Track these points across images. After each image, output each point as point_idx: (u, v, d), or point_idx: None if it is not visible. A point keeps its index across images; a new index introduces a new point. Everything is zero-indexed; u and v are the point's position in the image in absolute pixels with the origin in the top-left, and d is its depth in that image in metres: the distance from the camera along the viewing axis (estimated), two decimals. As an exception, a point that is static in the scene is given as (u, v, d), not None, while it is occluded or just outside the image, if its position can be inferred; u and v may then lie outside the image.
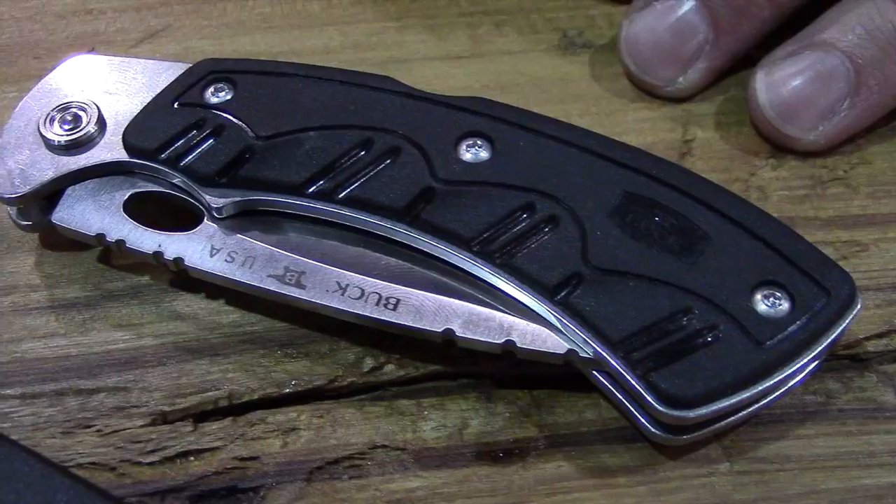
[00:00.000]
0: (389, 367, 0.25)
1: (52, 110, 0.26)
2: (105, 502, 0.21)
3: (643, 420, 0.22)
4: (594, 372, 0.23)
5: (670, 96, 0.30)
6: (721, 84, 0.31)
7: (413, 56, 0.32)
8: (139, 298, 0.26)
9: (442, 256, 0.24)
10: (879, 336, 0.25)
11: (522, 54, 0.32)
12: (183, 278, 0.26)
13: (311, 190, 0.24)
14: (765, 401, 0.22)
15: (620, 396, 0.23)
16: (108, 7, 0.34)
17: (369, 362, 0.25)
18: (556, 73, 0.31)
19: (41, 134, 0.26)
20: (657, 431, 0.22)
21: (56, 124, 0.26)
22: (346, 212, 0.24)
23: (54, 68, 0.28)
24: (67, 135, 0.26)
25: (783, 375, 0.21)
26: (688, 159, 0.29)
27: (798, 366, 0.22)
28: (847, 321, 0.22)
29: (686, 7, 0.29)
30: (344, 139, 0.25)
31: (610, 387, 0.23)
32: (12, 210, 0.26)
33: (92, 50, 0.32)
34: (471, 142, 0.25)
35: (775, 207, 0.27)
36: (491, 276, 0.23)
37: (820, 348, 0.22)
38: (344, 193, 0.24)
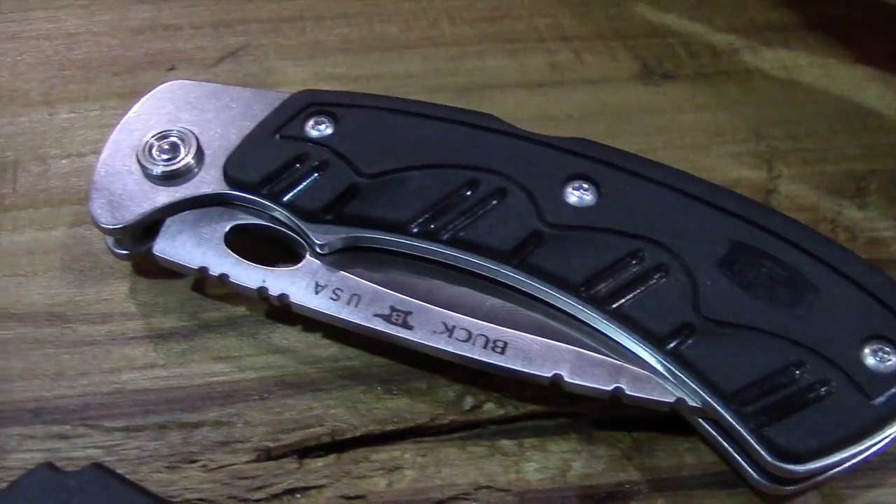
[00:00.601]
0: (489, 406, 0.25)
1: (150, 138, 0.26)
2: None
3: (749, 469, 0.23)
4: (699, 419, 0.23)
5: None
6: (805, 120, 0.31)
7: (494, 83, 0.32)
8: (236, 330, 0.26)
9: (549, 300, 0.24)
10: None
11: (603, 83, 0.32)
12: (278, 310, 0.26)
13: (416, 229, 0.25)
14: (868, 453, 0.23)
15: (726, 444, 0.23)
16: (184, 23, 0.34)
17: (469, 401, 0.25)
18: (638, 104, 0.31)
19: (140, 162, 0.26)
20: (763, 481, 0.23)
21: (155, 153, 0.26)
22: (452, 252, 0.24)
23: (149, 91, 0.28)
24: (167, 165, 0.26)
25: (891, 430, 0.22)
26: (774, 197, 0.29)
27: (909, 422, 0.22)
28: (955, 376, 0.22)
29: None
30: (450, 179, 0.25)
31: (715, 434, 0.23)
32: (109, 238, 0.26)
33: (172, 69, 0.32)
34: (576, 185, 0.25)
35: (863, 249, 0.28)
36: (599, 322, 0.23)
37: (929, 403, 0.22)
38: (450, 234, 0.24)
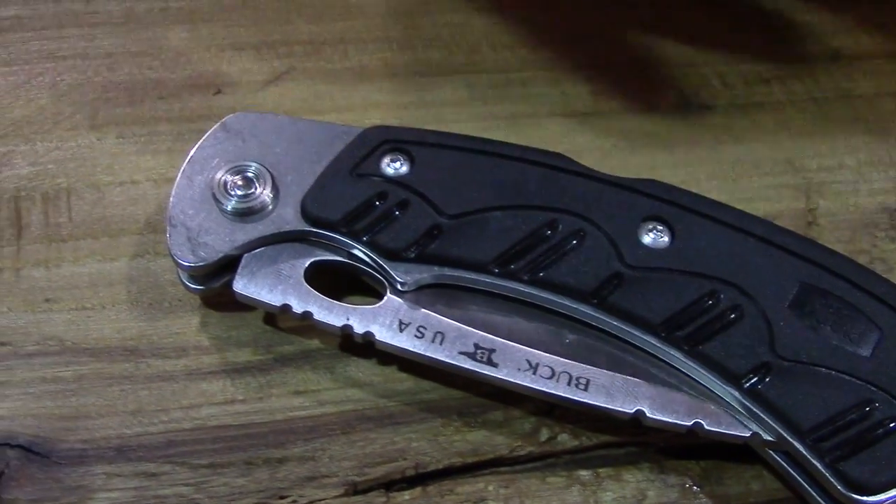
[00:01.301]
0: (563, 437, 0.26)
1: (224, 173, 0.27)
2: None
3: (819, 498, 0.24)
4: (769, 449, 0.25)
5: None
6: (836, 153, 0.32)
7: (540, 112, 0.33)
8: (312, 363, 0.27)
9: (628, 339, 0.25)
10: None
11: (643, 113, 0.33)
12: (352, 343, 0.27)
13: (498, 269, 0.25)
14: (927, 481, 0.24)
15: (795, 474, 0.25)
16: (225, 44, 0.34)
17: (545, 432, 0.26)
18: (679, 135, 0.33)
19: (215, 198, 0.26)
20: (832, 509, 0.24)
21: (230, 189, 0.26)
22: (534, 291, 0.25)
23: (221, 123, 0.28)
24: (243, 201, 0.26)
25: (952, 462, 0.24)
26: (814, 229, 0.31)
27: (968, 454, 0.24)
28: None
29: None
30: (529, 220, 0.26)
31: (784, 464, 0.25)
32: (182, 273, 0.27)
33: (218, 92, 0.32)
34: (650, 226, 0.26)
35: (898, 280, 0.30)
36: (678, 360, 0.25)
37: None
38: (531, 273, 0.25)
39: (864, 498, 0.23)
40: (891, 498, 0.23)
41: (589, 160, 0.28)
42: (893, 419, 0.23)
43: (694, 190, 0.28)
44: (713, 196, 0.27)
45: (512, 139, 0.31)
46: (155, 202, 0.29)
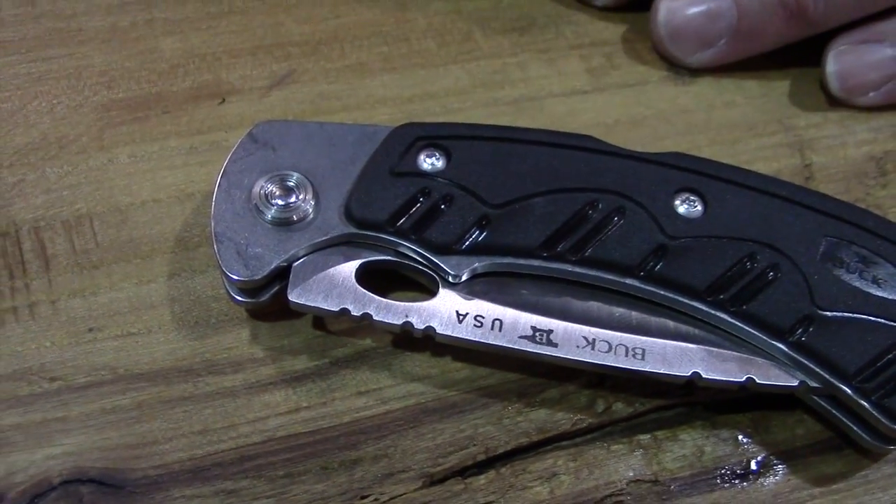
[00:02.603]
0: (618, 406, 0.27)
1: (263, 183, 0.27)
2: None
3: (863, 434, 0.26)
4: (812, 395, 0.26)
5: (684, 66, 0.34)
6: (818, 111, 0.34)
7: (540, 93, 0.34)
8: (368, 363, 0.27)
9: (676, 307, 0.26)
10: None
11: (639, 87, 0.34)
12: (406, 339, 0.27)
13: (546, 252, 0.26)
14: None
15: (838, 414, 0.26)
16: (220, 51, 0.33)
17: (601, 403, 0.27)
18: (675, 105, 0.34)
19: (258, 209, 0.26)
20: (876, 443, 0.26)
21: (271, 199, 0.26)
22: (583, 270, 0.26)
23: (248, 133, 0.28)
24: (285, 211, 0.26)
25: (983, 388, 0.26)
26: (812, 183, 0.32)
27: None
28: None
29: None
30: (571, 202, 0.26)
31: (828, 407, 0.26)
32: (231, 287, 0.27)
33: (223, 101, 0.32)
34: (684, 197, 0.27)
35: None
36: (725, 322, 0.26)
37: None
38: (579, 253, 0.26)
39: (910, 430, 0.25)
40: (933, 427, 0.25)
41: (598, 136, 0.29)
42: (928, 355, 0.25)
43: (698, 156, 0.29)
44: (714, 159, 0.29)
45: (519, 122, 0.32)
46: (181, 219, 0.29)
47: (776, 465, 0.27)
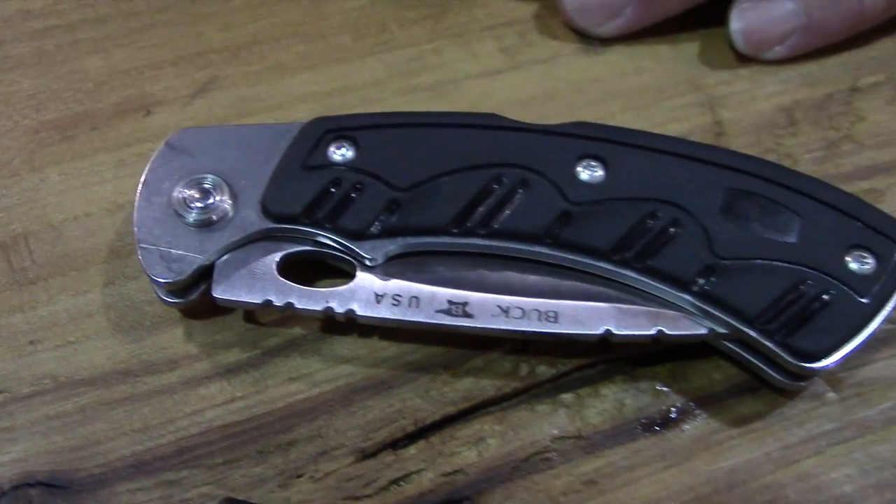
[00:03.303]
0: (541, 368, 0.29)
1: (181, 188, 0.28)
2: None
3: (774, 374, 0.27)
4: (723, 341, 0.28)
5: (595, 37, 0.36)
6: (727, 68, 0.35)
7: (457, 76, 0.35)
8: (298, 350, 0.28)
9: (583, 268, 0.27)
10: (913, 266, 0.31)
11: (552, 61, 0.35)
12: (334, 324, 0.28)
13: (456, 229, 0.27)
14: (864, 341, 0.27)
15: (751, 357, 0.27)
16: (143, 65, 0.34)
17: (524, 367, 0.28)
18: (588, 75, 0.35)
19: (178, 213, 0.27)
20: (787, 381, 0.27)
21: (189, 203, 0.27)
22: (492, 242, 0.27)
23: (165, 143, 0.29)
24: (205, 213, 0.27)
25: (881, 319, 0.27)
26: (723, 139, 0.33)
27: (890, 308, 0.27)
28: (915, 264, 0.28)
29: None
30: (476, 179, 0.28)
31: (739, 351, 0.28)
32: (159, 290, 0.28)
33: (148, 113, 0.33)
34: (585, 164, 0.28)
35: (806, 170, 0.32)
36: (632, 279, 0.27)
37: (903, 290, 0.27)
38: (487, 227, 0.27)
39: (813, 364, 0.26)
40: (835, 361, 0.26)
41: (512, 113, 0.30)
42: (825, 291, 0.26)
43: (611, 123, 0.31)
44: (630, 126, 0.30)
45: (436, 107, 0.33)
46: (112, 230, 0.30)
47: (695, 410, 0.28)
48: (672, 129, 0.33)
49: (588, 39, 0.36)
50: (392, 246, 0.27)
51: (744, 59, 0.35)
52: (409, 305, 0.27)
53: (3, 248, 0.30)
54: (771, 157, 0.33)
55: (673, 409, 0.28)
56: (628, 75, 0.35)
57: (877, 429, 0.28)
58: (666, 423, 0.28)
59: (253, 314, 0.29)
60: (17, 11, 0.36)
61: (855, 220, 0.28)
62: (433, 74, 0.35)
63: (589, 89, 0.35)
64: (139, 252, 0.27)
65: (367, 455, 0.27)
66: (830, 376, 0.29)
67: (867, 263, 0.27)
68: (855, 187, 0.32)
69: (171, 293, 0.28)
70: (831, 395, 0.28)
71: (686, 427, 0.28)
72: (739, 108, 0.34)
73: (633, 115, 0.34)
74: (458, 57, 0.35)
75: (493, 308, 0.27)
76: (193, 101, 0.33)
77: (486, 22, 0.36)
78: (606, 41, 0.36)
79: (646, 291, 0.27)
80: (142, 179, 0.28)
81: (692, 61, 0.35)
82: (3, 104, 0.33)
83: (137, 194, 0.28)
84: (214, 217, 0.28)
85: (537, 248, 0.27)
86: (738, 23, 0.35)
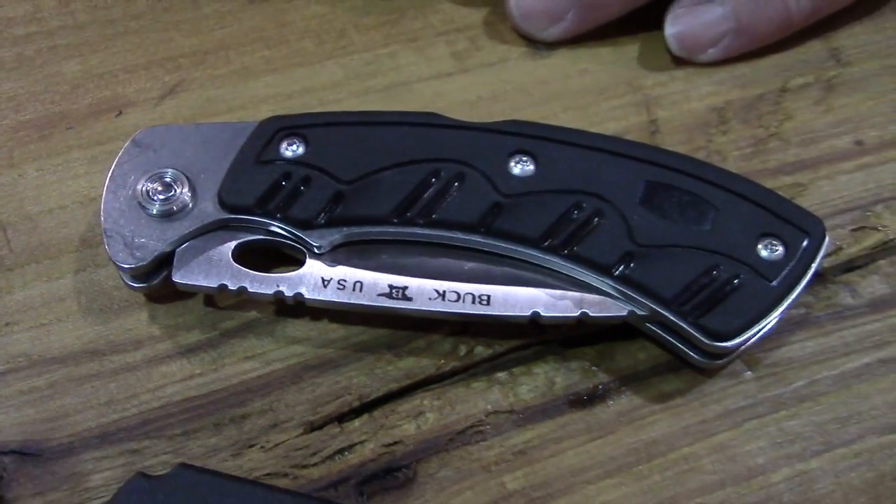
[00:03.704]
0: (479, 349, 0.31)
1: (144, 182, 0.30)
2: (300, 500, 0.27)
3: (691, 353, 0.30)
4: (646, 324, 0.30)
5: (541, 41, 0.38)
6: (665, 70, 0.38)
7: (410, 79, 0.37)
8: (254, 331, 0.31)
9: (514, 255, 0.30)
10: (830, 255, 0.33)
11: (501, 64, 0.38)
12: (287, 308, 0.31)
13: (396, 219, 0.30)
14: (773, 323, 0.30)
15: (670, 338, 0.30)
16: (116, 69, 0.37)
17: (463, 348, 0.31)
18: (532, 78, 0.37)
19: (141, 205, 0.30)
20: (703, 360, 0.29)
21: (152, 195, 0.30)
22: (430, 231, 0.30)
23: (131, 140, 0.31)
24: (166, 204, 0.30)
25: (789, 302, 0.29)
26: (657, 137, 0.36)
27: (797, 292, 0.29)
28: (822, 253, 0.30)
29: None
30: (415, 173, 0.30)
31: (660, 332, 0.30)
32: (125, 275, 0.30)
33: (119, 114, 0.35)
34: (517, 159, 0.30)
35: (734, 165, 0.35)
36: (558, 265, 0.29)
37: (809, 277, 0.29)
38: (425, 217, 0.30)
39: (723, 343, 0.28)
40: (744, 340, 0.28)
41: (460, 113, 0.32)
42: (735, 276, 0.29)
43: (553, 122, 0.33)
44: (570, 124, 0.32)
45: (389, 108, 0.36)
46: (84, 221, 0.33)
47: (620, 388, 0.30)
48: (610, 128, 0.36)
49: (534, 44, 0.38)
50: (337, 235, 0.30)
51: (680, 61, 0.38)
52: (354, 290, 0.29)
53: (-18, 238, 0.32)
54: (701, 154, 0.35)
55: (600, 386, 0.30)
56: (571, 77, 0.37)
57: (789, 405, 0.30)
58: (592, 399, 0.30)
59: (212, 298, 0.31)
60: (0, 19, 0.38)
61: (767, 210, 0.30)
62: (387, 77, 0.37)
63: (534, 91, 0.37)
64: (105, 240, 0.29)
65: (314, 427, 0.29)
66: (748, 356, 0.31)
67: (777, 250, 0.29)
68: (780, 182, 0.35)
69: (135, 278, 0.30)
70: (748, 373, 0.31)
71: (611, 403, 0.30)
72: (674, 108, 0.37)
73: (574, 115, 0.36)
74: (411, 60, 0.38)
75: (430, 292, 0.29)
76: (162, 102, 0.36)
77: (440, 28, 0.39)
78: (552, 45, 0.38)
79: (571, 276, 0.29)
80: (109, 174, 0.31)
81: (631, 64, 0.38)
82: (-15, 105, 0.36)
83: (104, 187, 0.30)
84: (175, 208, 0.30)
85: (472, 237, 0.30)
86: (672, 27, 0.37)
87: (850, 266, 0.33)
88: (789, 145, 0.36)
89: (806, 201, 0.34)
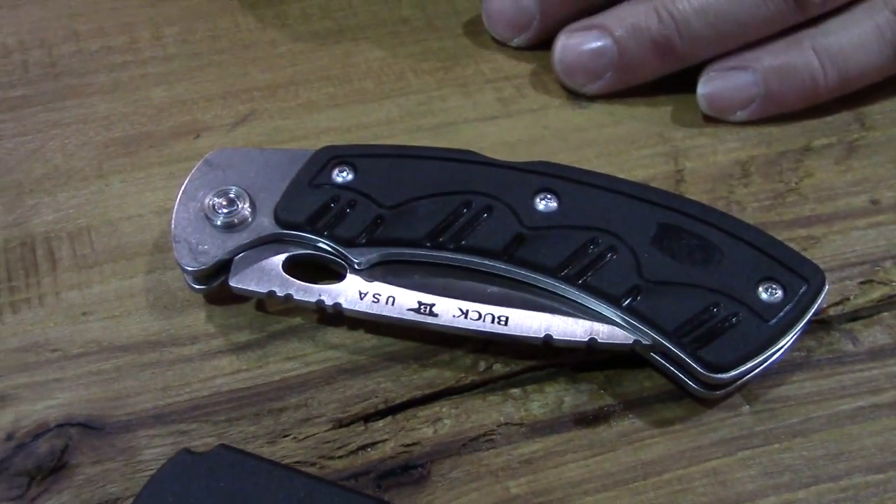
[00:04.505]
0: (497, 366, 0.34)
1: (211, 196, 0.34)
2: (325, 486, 0.30)
3: (690, 383, 0.32)
4: (651, 354, 0.32)
5: (581, 94, 0.41)
6: (696, 124, 0.40)
7: (458, 120, 0.41)
8: (297, 336, 0.34)
9: (533, 283, 0.33)
10: (836, 304, 0.35)
11: (542, 111, 0.41)
12: (328, 317, 0.34)
13: (429, 243, 0.33)
14: (771, 361, 0.32)
15: (672, 368, 0.32)
16: (197, 97, 0.41)
17: (482, 364, 0.34)
18: (570, 125, 0.41)
19: (206, 216, 0.34)
20: (701, 390, 0.32)
21: (217, 209, 0.34)
22: (458, 256, 0.33)
23: (201, 160, 0.35)
24: (228, 217, 0.34)
25: (784, 343, 0.31)
26: (682, 185, 0.38)
27: (793, 334, 0.31)
28: (821, 299, 0.32)
29: None
30: (450, 203, 0.33)
31: (663, 362, 0.32)
32: (188, 277, 0.34)
33: (197, 136, 0.40)
34: (542, 196, 0.33)
35: (751, 216, 0.37)
36: (572, 293, 0.32)
37: (805, 320, 0.32)
38: (455, 243, 0.33)
39: (719, 375, 0.31)
40: (738, 374, 0.31)
41: (500, 153, 0.35)
42: (734, 314, 0.31)
43: (585, 167, 0.36)
44: (601, 170, 0.35)
45: (437, 145, 0.39)
46: (158, 229, 0.37)
47: (624, 411, 0.33)
48: (638, 175, 0.38)
49: (575, 95, 0.41)
50: (375, 254, 0.33)
51: (710, 118, 0.40)
52: (386, 303, 0.33)
53: (70, 237, 0.37)
54: (721, 204, 0.38)
55: (605, 408, 0.33)
56: (606, 126, 0.40)
57: (782, 439, 0.32)
58: (597, 419, 0.33)
59: (262, 303, 0.35)
60: (101, 47, 0.43)
61: (770, 257, 0.32)
62: (437, 117, 0.41)
63: (570, 137, 0.40)
64: (174, 245, 0.33)
65: (342, 424, 0.32)
66: (748, 392, 0.33)
67: (776, 294, 0.32)
68: (794, 233, 0.37)
69: (197, 280, 0.34)
70: (746, 407, 0.33)
71: (614, 424, 0.33)
72: (700, 160, 0.39)
73: (606, 161, 0.39)
74: (460, 103, 0.41)
75: (455, 310, 0.33)
76: (235, 129, 0.40)
77: (490, 75, 0.42)
78: (590, 98, 0.41)
79: (583, 305, 0.32)
80: (182, 188, 0.35)
81: (664, 118, 0.41)
82: (82, 122, 0.40)
83: (177, 200, 0.34)
84: (236, 221, 0.34)
85: (496, 264, 0.33)
86: (704, 88, 0.40)
87: (855, 316, 0.35)
88: (807, 200, 0.38)
89: (818, 253, 0.36)
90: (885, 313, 0.35)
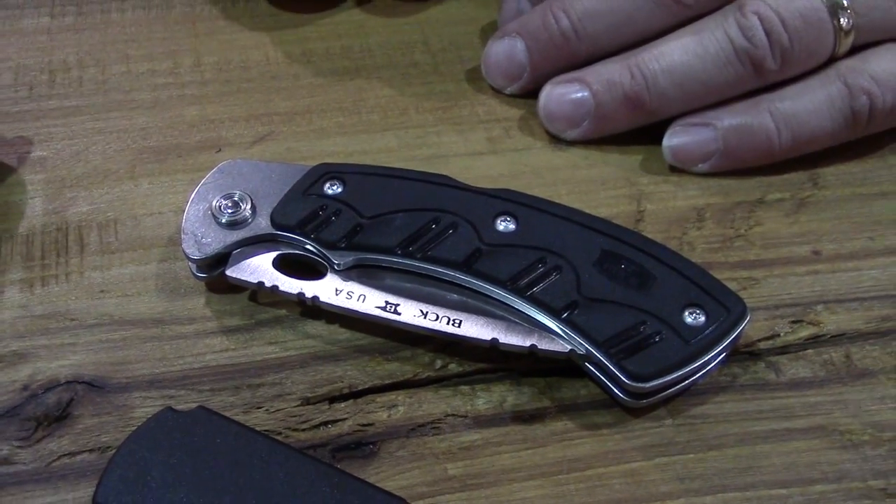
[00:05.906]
0: (452, 365, 0.38)
1: (219, 198, 0.39)
2: (287, 450, 0.34)
3: (617, 391, 0.36)
4: (586, 363, 0.37)
5: (562, 139, 0.46)
6: (661, 173, 0.45)
7: (448, 153, 0.46)
8: (281, 324, 0.39)
9: (487, 293, 0.37)
10: (767, 338, 0.39)
11: (525, 151, 0.46)
12: (309, 311, 0.39)
13: (400, 251, 0.38)
14: (692, 379, 0.36)
15: (603, 378, 0.36)
16: (224, 117, 0.47)
17: (439, 362, 0.38)
18: (548, 164, 0.45)
19: (213, 215, 0.39)
20: (626, 398, 0.36)
21: (222, 209, 0.39)
22: (424, 265, 0.38)
23: (215, 168, 0.41)
24: (232, 216, 0.39)
25: (702, 362, 0.35)
26: (641, 224, 0.43)
27: (710, 356, 0.35)
28: (741, 327, 0.36)
29: (517, 43, 0.46)
30: (421, 218, 0.38)
31: (595, 371, 0.36)
32: (193, 266, 0.39)
33: (219, 150, 0.45)
34: (503, 218, 0.38)
35: (700, 256, 0.41)
36: (520, 304, 0.37)
37: (724, 344, 0.35)
38: (422, 252, 0.38)
39: (639, 384, 0.35)
40: (656, 384, 0.35)
41: (481, 184, 0.40)
42: (658, 332, 0.35)
43: (556, 200, 0.40)
44: (571, 205, 0.39)
45: (427, 173, 0.44)
46: (175, 226, 0.42)
47: (559, 413, 0.37)
48: (602, 212, 0.43)
49: (556, 139, 0.46)
50: (352, 257, 0.38)
51: (675, 168, 0.45)
52: (358, 300, 0.38)
53: (98, 227, 0.42)
54: (673, 243, 0.42)
55: (542, 409, 0.37)
56: (580, 168, 0.45)
57: (697, 450, 0.36)
58: (534, 418, 0.37)
59: (255, 294, 0.40)
60: (148, 70, 0.49)
61: (699, 286, 0.36)
62: (431, 150, 0.46)
63: (547, 175, 0.45)
64: (182, 236, 0.39)
65: (309, 402, 0.37)
66: (672, 407, 0.37)
67: (699, 319, 0.36)
68: (736, 274, 0.41)
69: (199, 269, 0.39)
70: (669, 420, 0.37)
71: (548, 423, 0.37)
72: (660, 203, 0.44)
73: (576, 198, 0.44)
74: (453, 139, 0.46)
75: (416, 311, 0.37)
76: (253, 146, 0.46)
77: (483, 117, 0.47)
78: (570, 142, 0.46)
79: (528, 315, 0.37)
80: (195, 191, 0.40)
81: (633, 164, 0.45)
82: (122, 131, 0.46)
83: (189, 200, 0.40)
84: (237, 220, 0.39)
85: (456, 274, 0.37)
86: (669, 140, 0.44)
87: (783, 351, 0.39)
88: (753, 246, 0.42)
89: (755, 292, 0.40)
90: (810, 350, 0.39)
